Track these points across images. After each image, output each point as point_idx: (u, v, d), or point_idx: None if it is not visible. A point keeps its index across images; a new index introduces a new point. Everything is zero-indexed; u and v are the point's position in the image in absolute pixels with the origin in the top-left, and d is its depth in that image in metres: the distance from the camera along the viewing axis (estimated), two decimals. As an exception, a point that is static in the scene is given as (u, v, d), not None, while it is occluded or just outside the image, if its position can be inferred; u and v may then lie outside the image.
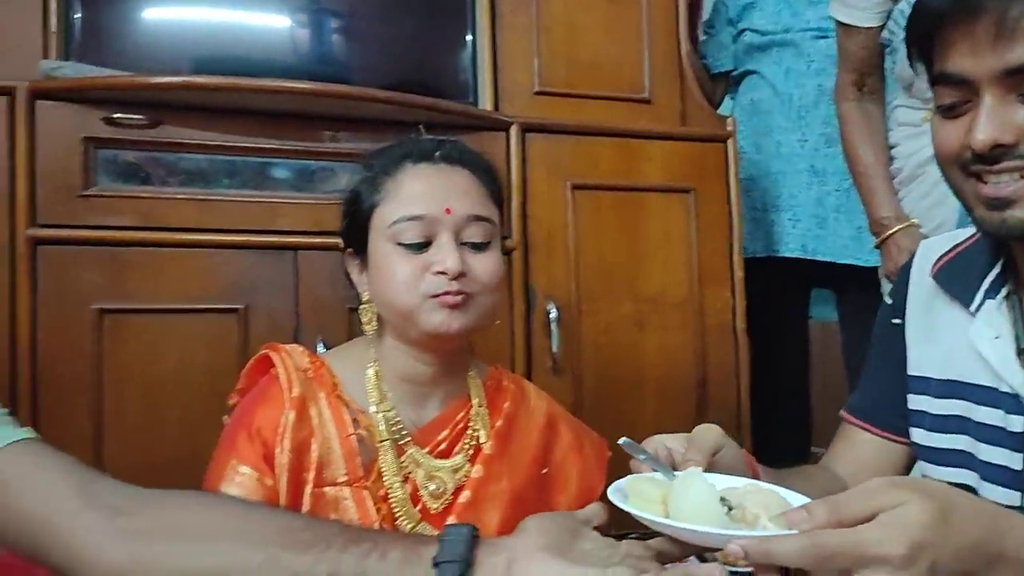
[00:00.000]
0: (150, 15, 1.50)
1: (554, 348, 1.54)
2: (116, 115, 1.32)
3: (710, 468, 0.74)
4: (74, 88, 1.31)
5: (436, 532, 0.90)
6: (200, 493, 0.85)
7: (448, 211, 0.91)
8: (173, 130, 1.37)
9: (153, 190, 1.37)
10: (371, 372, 0.96)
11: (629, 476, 0.73)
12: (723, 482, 0.70)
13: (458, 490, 0.94)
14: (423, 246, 0.91)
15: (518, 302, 1.55)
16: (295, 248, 1.43)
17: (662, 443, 0.76)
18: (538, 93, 1.71)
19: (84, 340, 1.32)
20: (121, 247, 1.34)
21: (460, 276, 0.90)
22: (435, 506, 0.93)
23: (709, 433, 0.78)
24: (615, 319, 1.63)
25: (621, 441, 0.74)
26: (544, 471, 1.00)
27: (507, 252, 1.55)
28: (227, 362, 1.38)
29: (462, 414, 0.98)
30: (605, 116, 1.72)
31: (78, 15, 1.42)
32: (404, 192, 0.93)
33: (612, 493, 0.68)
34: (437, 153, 0.96)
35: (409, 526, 0.91)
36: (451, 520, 0.91)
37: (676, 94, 1.81)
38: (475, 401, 0.99)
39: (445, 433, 0.96)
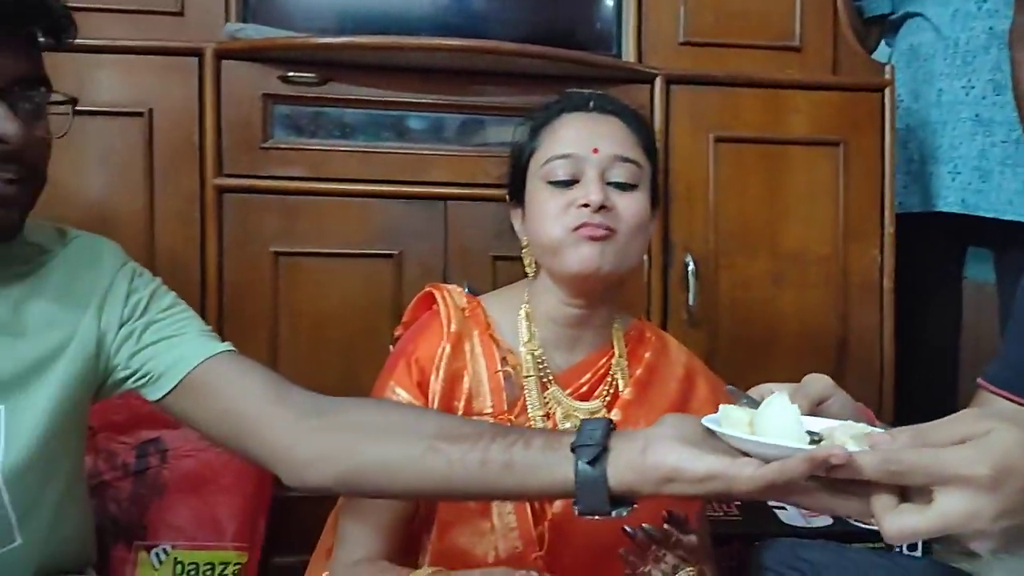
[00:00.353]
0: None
1: (690, 301, 1.57)
2: (291, 73, 1.45)
3: (816, 415, 0.74)
4: (254, 48, 1.44)
5: None
6: (374, 399, 0.97)
7: (595, 151, 0.96)
8: (339, 87, 1.48)
9: (321, 143, 1.49)
10: (523, 313, 1.02)
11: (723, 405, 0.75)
12: (821, 424, 0.71)
13: None
14: (571, 183, 0.96)
15: (656, 255, 1.58)
16: (445, 199, 1.52)
17: (768, 389, 0.77)
18: (683, 43, 1.70)
19: (262, 279, 1.48)
20: (294, 196, 1.48)
21: (602, 209, 0.94)
22: None
23: (817, 382, 0.78)
24: (753, 274, 1.62)
25: (727, 387, 0.78)
26: None
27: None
28: (382, 302, 1.51)
29: (604, 361, 1.02)
30: (751, 66, 1.69)
31: (255, -22, 1.56)
32: (557, 136, 0.99)
33: (706, 421, 0.71)
34: (591, 103, 1.02)
35: None
36: None
37: (828, 40, 1.74)
38: (616, 351, 1.03)
39: (587, 377, 1.01)
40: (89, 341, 0.91)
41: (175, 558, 1.29)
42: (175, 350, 0.92)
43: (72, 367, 0.90)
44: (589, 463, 0.71)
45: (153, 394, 0.93)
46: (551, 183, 0.97)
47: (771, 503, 1.44)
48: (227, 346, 0.95)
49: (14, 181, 0.81)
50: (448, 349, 0.99)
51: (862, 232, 1.66)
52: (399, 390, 0.98)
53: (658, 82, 1.58)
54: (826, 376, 0.79)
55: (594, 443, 0.72)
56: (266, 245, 1.47)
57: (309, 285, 1.49)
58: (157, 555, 1.29)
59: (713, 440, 0.70)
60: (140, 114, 1.43)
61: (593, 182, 0.94)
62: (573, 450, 0.73)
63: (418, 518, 0.99)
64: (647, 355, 1.05)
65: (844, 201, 1.65)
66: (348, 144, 1.50)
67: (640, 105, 1.55)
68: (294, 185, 1.47)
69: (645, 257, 1.57)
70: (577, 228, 0.94)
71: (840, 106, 1.66)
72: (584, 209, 0.94)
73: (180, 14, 1.57)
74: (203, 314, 1.44)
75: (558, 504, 0.94)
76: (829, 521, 1.37)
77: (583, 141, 0.97)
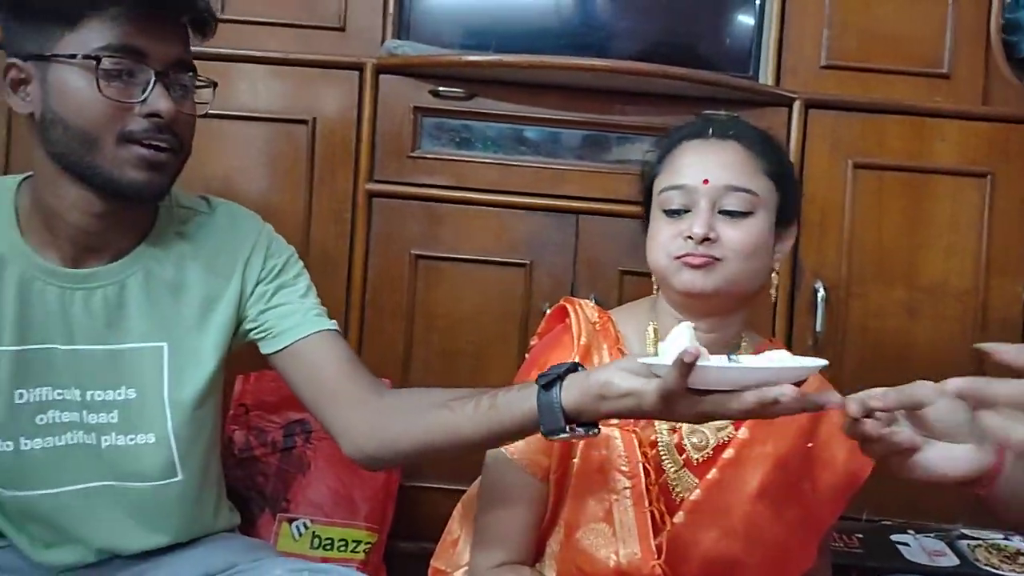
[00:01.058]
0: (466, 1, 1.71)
1: (817, 328, 1.56)
2: (441, 88, 1.54)
3: (922, 425, 0.79)
4: (409, 64, 1.54)
5: (696, 480, 0.99)
6: (414, 389, 1.15)
7: (706, 181, 0.98)
8: (485, 102, 1.56)
9: (465, 154, 1.57)
10: (650, 330, 1.06)
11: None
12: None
13: (721, 446, 1.01)
14: (683, 212, 0.99)
15: (784, 279, 1.57)
16: (577, 212, 1.57)
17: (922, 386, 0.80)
18: (825, 67, 1.69)
19: (402, 278, 1.58)
20: (436, 203, 1.57)
21: (705, 240, 0.96)
22: (697, 456, 1.01)
23: (920, 387, 0.79)
24: (886, 304, 1.59)
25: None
26: (809, 445, 1.03)
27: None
28: (513, 309, 1.58)
29: None
30: (896, 91, 1.66)
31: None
32: (674, 165, 1.02)
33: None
34: (711, 130, 1.03)
35: (674, 470, 1.00)
36: (712, 474, 0.99)
37: (979, 69, 1.69)
38: None
39: None
40: (235, 294, 1.06)
41: (313, 532, 1.40)
42: (294, 316, 1.06)
43: (225, 314, 1.06)
44: (544, 387, 0.87)
45: (266, 348, 1.07)
46: (665, 211, 1.01)
47: (892, 537, 1.42)
48: (332, 324, 1.09)
49: (165, 150, 0.95)
50: (577, 361, 1.02)
51: (1006, 267, 1.60)
52: None
53: (796, 106, 1.58)
54: (931, 383, 0.80)
55: (552, 375, 0.87)
56: (408, 247, 1.57)
57: (445, 287, 1.58)
58: (298, 527, 1.41)
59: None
60: (304, 122, 1.56)
61: (702, 213, 0.97)
62: (538, 382, 0.88)
63: (544, 522, 1.04)
64: None
65: (989, 234, 1.59)
66: (489, 156, 1.57)
67: (776, 129, 1.57)
68: (437, 193, 1.57)
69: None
70: (679, 257, 0.98)
71: (990, 137, 1.60)
72: (689, 241, 0.97)
73: (342, 29, 1.70)
74: (347, 305, 1.57)
75: (679, 516, 0.97)
76: (956, 561, 1.34)
77: (696, 171, 0.99)
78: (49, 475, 0.98)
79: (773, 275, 1.04)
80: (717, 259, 0.96)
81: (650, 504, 0.97)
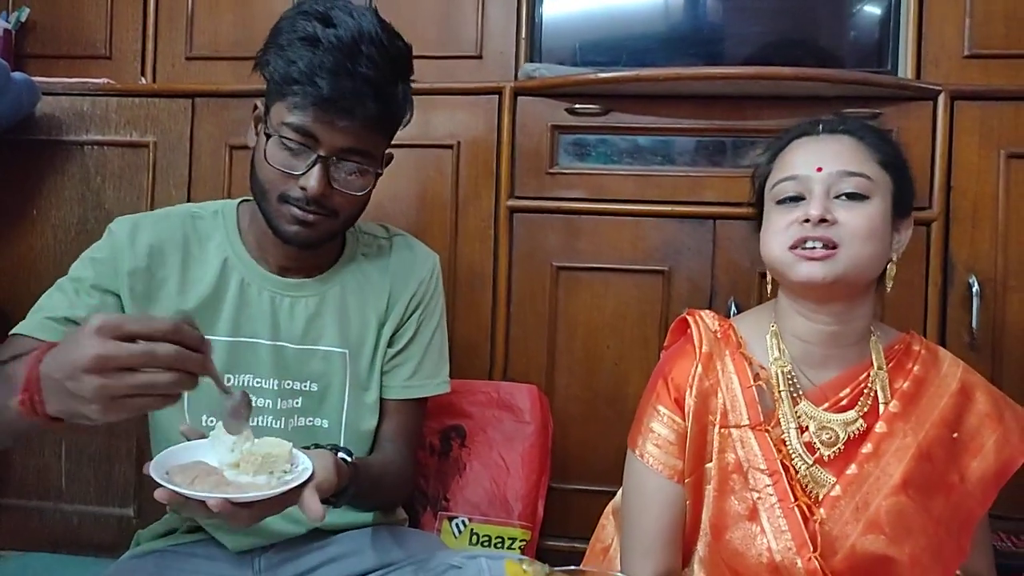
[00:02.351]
0: (592, 19, 1.78)
1: (973, 324, 1.51)
2: (577, 105, 1.61)
3: None
4: (546, 85, 1.61)
5: (828, 475, 1.00)
6: None
7: (819, 169, 1.00)
8: (619, 116, 1.61)
9: (601, 167, 1.63)
10: (771, 331, 1.08)
11: None
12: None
13: (854, 440, 1.01)
14: (798, 200, 1.01)
15: (935, 274, 1.53)
16: (715, 218, 1.59)
17: None
18: (969, 56, 1.64)
19: (544, 289, 1.65)
20: (575, 215, 1.63)
21: (823, 223, 0.97)
22: (827, 453, 1.01)
23: None
24: (1048, 298, 1.52)
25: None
26: (955, 435, 1.02)
27: (926, 223, 1.54)
28: (653, 315, 1.62)
29: (863, 376, 1.04)
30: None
31: (539, 22, 1.76)
32: (786, 160, 1.05)
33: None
34: (820, 127, 1.06)
35: (805, 468, 1.01)
36: (852, 469, 0.99)
37: None
38: (876, 364, 1.04)
39: (844, 392, 1.03)
40: (396, 319, 1.22)
41: (472, 529, 1.49)
42: (396, 373, 1.23)
43: (387, 335, 1.22)
44: None
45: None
46: (779, 202, 1.03)
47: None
48: (413, 394, 1.24)
49: (312, 217, 1.08)
50: (700, 369, 1.06)
51: None
52: (660, 407, 1.08)
53: (942, 99, 1.54)
54: None
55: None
56: (549, 259, 1.64)
57: (586, 297, 1.64)
58: (457, 525, 1.50)
59: None
60: (450, 146, 1.66)
61: (817, 197, 0.98)
62: None
63: (686, 526, 1.07)
64: (915, 368, 1.05)
65: None
66: (625, 168, 1.63)
67: (921, 123, 1.54)
68: (576, 206, 1.63)
69: (922, 276, 1.54)
70: (794, 247, 0.98)
71: None
72: (806, 224, 0.98)
73: (479, 57, 1.81)
74: (493, 317, 1.66)
75: (820, 512, 0.98)
76: None
77: (810, 162, 1.01)
78: None
79: (890, 266, 1.03)
80: (835, 245, 0.97)
81: (795, 499, 0.99)
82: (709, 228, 1.60)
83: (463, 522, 1.50)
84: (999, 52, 1.62)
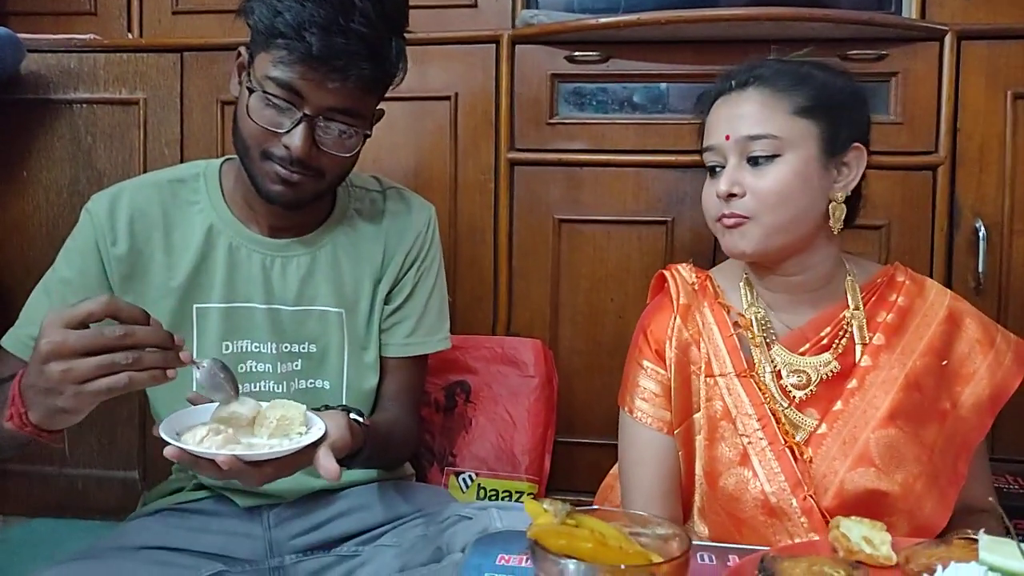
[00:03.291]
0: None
1: (980, 268, 1.50)
2: (576, 53, 1.57)
3: None
4: (544, 33, 1.57)
5: (804, 417, 1.00)
6: None
7: (728, 137, 1.00)
8: (620, 63, 1.58)
9: (602, 117, 1.60)
10: (743, 281, 1.08)
11: None
12: None
13: (830, 381, 1.01)
14: (719, 170, 1.01)
15: (941, 219, 1.52)
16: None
17: None
18: (975, -6, 1.60)
19: (546, 242, 1.63)
20: (576, 167, 1.61)
21: (731, 197, 0.99)
22: (799, 395, 1.01)
23: None
24: (1055, 240, 1.51)
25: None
26: (944, 363, 1.02)
27: (931, 167, 1.53)
28: (656, 266, 1.58)
29: (836, 320, 1.03)
30: (1058, 15, 1.56)
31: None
32: (708, 125, 1.05)
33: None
34: (732, 83, 1.03)
35: (780, 411, 1.01)
36: (837, 406, 0.99)
37: None
38: (852, 304, 1.04)
39: (824, 333, 1.03)
40: (392, 275, 1.19)
41: (479, 484, 1.49)
42: (395, 331, 1.20)
43: (383, 291, 1.19)
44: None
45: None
46: (708, 170, 1.05)
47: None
48: (413, 352, 1.22)
49: (296, 177, 1.03)
50: (678, 320, 1.06)
51: None
52: (645, 362, 1.08)
53: (948, 38, 1.50)
54: None
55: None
56: (551, 212, 1.62)
57: (588, 249, 1.62)
58: (464, 480, 1.50)
59: None
60: (447, 98, 1.63)
61: (728, 170, 1.00)
62: None
63: (680, 478, 1.07)
64: (899, 299, 1.04)
65: None
66: (626, 117, 1.60)
67: (927, 64, 1.51)
68: (576, 157, 1.60)
69: (928, 220, 1.52)
70: (719, 219, 1.01)
71: None
72: (720, 200, 1.00)
73: (474, 5, 1.77)
74: (495, 271, 1.64)
75: (811, 446, 0.98)
76: None
77: (721, 129, 1.01)
78: None
79: (832, 206, 1.00)
80: (746, 217, 0.98)
81: (786, 441, 0.99)
82: (712, 177, 1.58)
83: (470, 477, 1.50)
84: (1006, -10, 1.59)
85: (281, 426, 0.88)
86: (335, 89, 0.99)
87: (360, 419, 1.00)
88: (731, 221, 0.99)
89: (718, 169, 1.02)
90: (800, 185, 0.98)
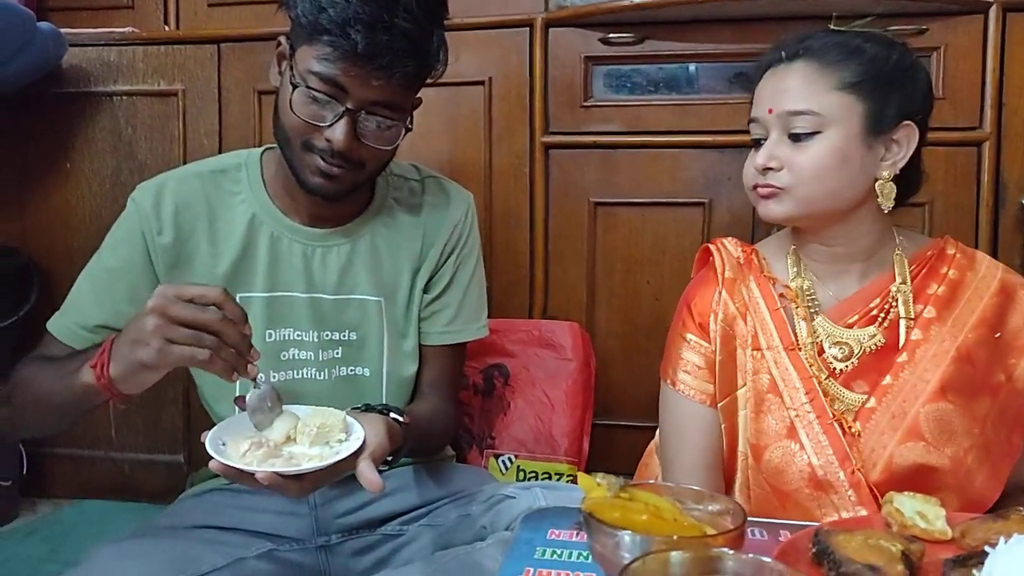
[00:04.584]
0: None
1: (1026, 245, 1.47)
2: (611, 35, 1.56)
3: None
4: (578, 15, 1.57)
5: (844, 390, 1.00)
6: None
7: (770, 111, 0.99)
8: (655, 44, 1.57)
9: (637, 98, 1.60)
10: (790, 251, 1.07)
11: None
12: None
13: (875, 353, 1.00)
14: (762, 142, 1.01)
15: (987, 195, 1.49)
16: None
17: None
18: (1020, -33, 1.56)
19: (581, 225, 1.63)
20: (611, 149, 1.60)
21: (768, 171, 0.99)
22: (840, 367, 1.01)
23: None
24: (1106, 216, 1.47)
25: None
26: (997, 335, 1.00)
27: (976, 143, 1.50)
28: (692, 247, 1.56)
29: (884, 291, 1.02)
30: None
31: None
32: (756, 96, 1.04)
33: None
34: (782, 54, 1.02)
35: (824, 382, 1.00)
36: (887, 380, 0.98)
37: None
38: (899, 278, 1.02)
39: (873, 305, 1.02)
40: (432, 263, 1.19)
41: (518, 466, 1.50)
42: (435, 319, 1.20)
43: (423, 279, 1.19)
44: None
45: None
46: (753, 141, 1.04)
47: None
48: (453, 340, 1.22)
49: (337, 170, 1.03)
50: (724, 294, 1.06)
51: None
52: (689, 335, 1.08)
53: (993, 11, 1.47)
54: None
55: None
56: (586, 195, 1.62)
57: (624, 231, 1.62)
58: (503, 462, 1.51)
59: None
60: (481, 83, 1.63)
61: (768, 144, 1.00)
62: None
63: (723, 451, 1.06)
64: (950, 272, 1.03)
65: None
66: (662, 98, 1.59)
67: (971, 37, 1.48)
68: (612, 140, 1.60)
69: (973, 198, 1.50)
70: (754, 187, 1.02)
71: None
72: (758, 170, 1.01)
73: (506, -11, 1.76)
74: (531, 255, 1.65)
75: (860, 420, 0.97)
76: None
77: (764, 102, 1.01)
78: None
79: (880, 184, 0.99)
80: (780, 188, 0.98)
81: (833, 415, 0.98)
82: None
83: (509, 459, 1.51)
84: (1053, -39, 1.55)
85: (321, 433, 0.90)
86: (379, 86, 0.99)
87: (400, 418, 1.01)
88: (765, 191, 1.00)
89: (761, 141, 1.02)
90: (838, 162, 0.97)
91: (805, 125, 0.97)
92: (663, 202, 1.60)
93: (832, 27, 1.04)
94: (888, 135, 0.99)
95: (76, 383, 0.92)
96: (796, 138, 0.98)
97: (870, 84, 0.98)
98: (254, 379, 0.90)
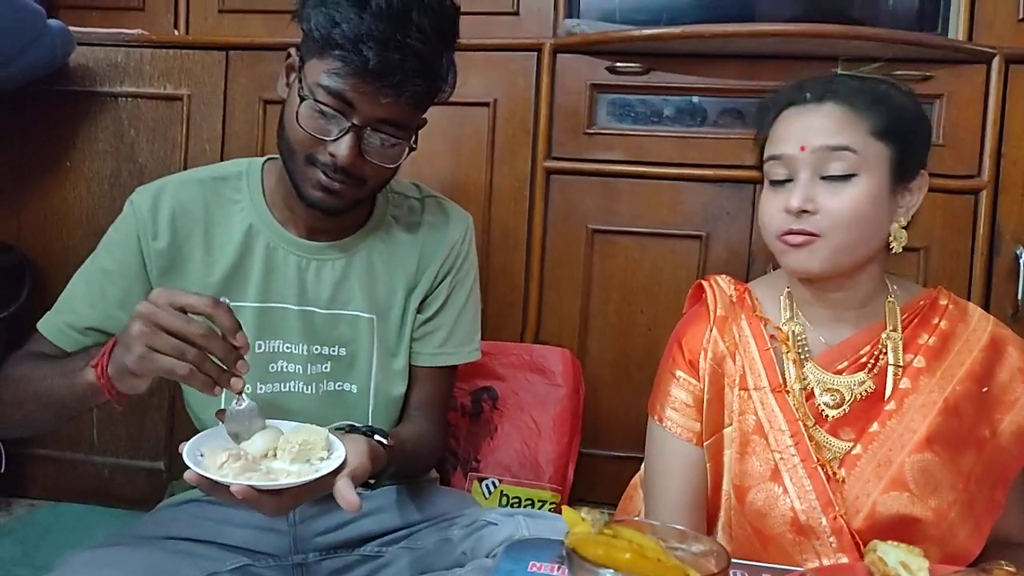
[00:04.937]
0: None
1: (1020, 295, 1.47)
2: (618, 64, 1.57)
3: None
4: (587, 42, 1.58)
5: (831, 438, 0.99)
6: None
7: (803, 148, 0.96)
8: (661, 75, 1.58)
9: (641, 128, 1.60)
10: (784, 294, 1.06)
11: None
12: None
13: (864, 400, 0.99)
14: (786, 183, 0.98)
15: (982, 244, 1.50)
16: (754, 182, 1.56)
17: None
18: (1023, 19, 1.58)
19: (579, 252, 1.63)
20: (612, 177, 1.61)
21: (804, 213, 0.95)
22: (832, 414, 1.00)
23: None
24: (1100, 270, 1.48)
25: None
26: (985, 390, 0.99)
27: (974, 191, 1.51)
28: (688, 280, 1.56)
29: (875, 339, 1.01)
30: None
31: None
32: (775, 134, 1.01)
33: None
34: (807, 94, 1.00)
35: (811, 429, 0.99)
36: (874, 427, 0.97)
37: None
38: (889, 326, 1.02)
39: (853, 355, 1.01)
40: (427, 284, 1.19)
41: (502, 491, 1.49)
42: (427, 340, 1.19)
43: (417, 299, 1.18)
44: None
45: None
46: (771, 182, 1.01)
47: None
48: (444, 362, 1.21)
49: (338, 185, 1.03)
50: (715, 332, 1.05)
51: None
52: (678, 372, 1.07)
53: (996, 62, 1.49)
54: None
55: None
56: (585, 222, 1.62)
57: (621, 260, 1.62)
58: (487, 486, 1.50)
59: None
60: (486, 104, 1.63)
61: (800, 184, 0.96)
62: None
63: (707, 490, 1.05)
64: (941, 323, 1.02)
65: None
66: (665, 130, 1.59)
67: (973, 88, 1.49)
68: (613, 168, 1.60)
69: (968, 245, 1.50)
70: (782, 235, 0.98)
71: None
72: (790, 214, 0.96)
73: (516, 13, 1.77)
74: (527, 278, 1.64)
75: (845, 467, 0.96)
76: None
77: (794, 139, 0.98)
78: (274, 418, 1.10)
79: (895, 228, 0.99)
80: (815, 234, 0.95)
81: (818, 460, 0.97)
82: (749, 193, 1.57)
83: (493, 483, 1.50)
84: (1057, 15, 1.57)
85: (303, 451, 0.88)
86: (387, 104, 0.99)
87: (384, 441, 0.99)
88: (799, 239, 0.96)
89: (787, 183, 0.99)
90: (872, 208, 0.96)
91: (842, 165, 0.95)
92: (661, 233, 1.60)
93: (840, 71, 1.03)
94: (907, 183, 0.99)
95: (78, 381, 0.92)
96: (830, 180, 0.95)
97: (898, 132, 0.97)
98: (239, 393, 0.88)
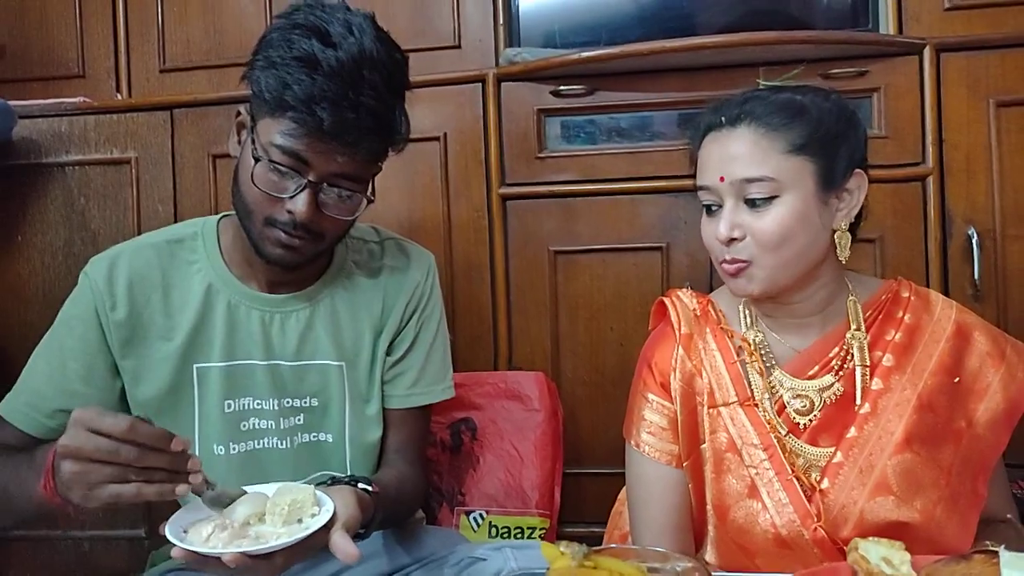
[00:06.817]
0: (568, 1, 1.76)
1: (976, 275, 1.50)
2: (561, 87, 1.59)
3: None
4: (529, 70, 1.59)
5: (806, 446, 0.98)
6: None
7: (722, 179, 0.97)
8: (605, 95, 1.60)
9: (591, 148, 1.62)
10: (741, 306, 1.07)
11: None
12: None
13: (834, 405, 0.99)
14: (716, 208, 1.00)
15: (934, 228, 1.53)
16: (708, 189, 1.58)
17: None
18: (950, 9, 1.63)
19: (543, 275, 1.63)
20: (568, 198, 1.62)
21: (732, 242, 0.96)
22: (802, 421, 0.99)
23: None
24: (1048, 243, 1.52)
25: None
26: (956, 380, 0.99)
27: (921, 178, 1.54)
28: (654, 292, 1.60)
29: (842, 340, 1.01)
30: (1030, 24, 1.59)
31: (516, 7, 1.74)
32: (700, 162, 1.02)
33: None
34: (723, 119, 0.99)
35: (784, 439, 0.99)
36: (852, 433, 0.96)
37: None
38: (853, 324, 1.01)
39: (822, 359, 1.01)
40: (393, 327, 1.18)
41: (490, 521, 1.48)
42: (398, 382, 1.19)
43: (385, 343, 1.17)
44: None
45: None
46: (704, 207, 1.02)
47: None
48: (417, 402, 1.20)
49: (298, 241, 1.03)
50: (681, 351, 1.05)
51: None
52: (650, 395, 1.07)
53: (927, 52, 1.53)
54: None
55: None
56: (546, 244, 1.63)
57: (585, 279, 1.63)
58: (475, 519, 1.49)
59: None
60: (436, 138, 1.64)
61: (726, 213, 0.97)
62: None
63: (690, 510, 1.05)
64: (906, 317, 1.02)
65: None
66: (615, 146, 1.61)
67: (908, 78, 1.53)
68: (568, 189, 1.61)
69: (921, 231, 1.53)
70: (720, 263, 1.00)
71: None
72: (721, 242, 0.98)
73: (458, 47, 1.79)
74: (493, 307, 1.64)
75: (824, 482, 0.96)
76: None
77: (714, 169, 0.98)
78: (251, 476, 1.08)
79: (838, 235, 0.98)
80: (747, 262, 0.96)
81: (793, 471, 0.97)
82: (704, 201, 1.59)
83: (480, 515, 1.49)
84: (980, 2, 1.61)
85: (293, 511, 0.87)
86: (343, 161, 0.99)
87: (369, 488, 0.98)
88: (732, 268, 0.98)
89: (714, 208, 1.00)
90: (800, 224, 0.95)
91: (761, 191, 0.95)
92: (622, 248, 1.61)
93: (762, 83, 1.04)
94: (840, 187, 0.98)
95: (33, 495, 0.88)
96: (752, 203, 0.96)
97: (818, 143, 0.96)
98: (201, 486, 0.85)
